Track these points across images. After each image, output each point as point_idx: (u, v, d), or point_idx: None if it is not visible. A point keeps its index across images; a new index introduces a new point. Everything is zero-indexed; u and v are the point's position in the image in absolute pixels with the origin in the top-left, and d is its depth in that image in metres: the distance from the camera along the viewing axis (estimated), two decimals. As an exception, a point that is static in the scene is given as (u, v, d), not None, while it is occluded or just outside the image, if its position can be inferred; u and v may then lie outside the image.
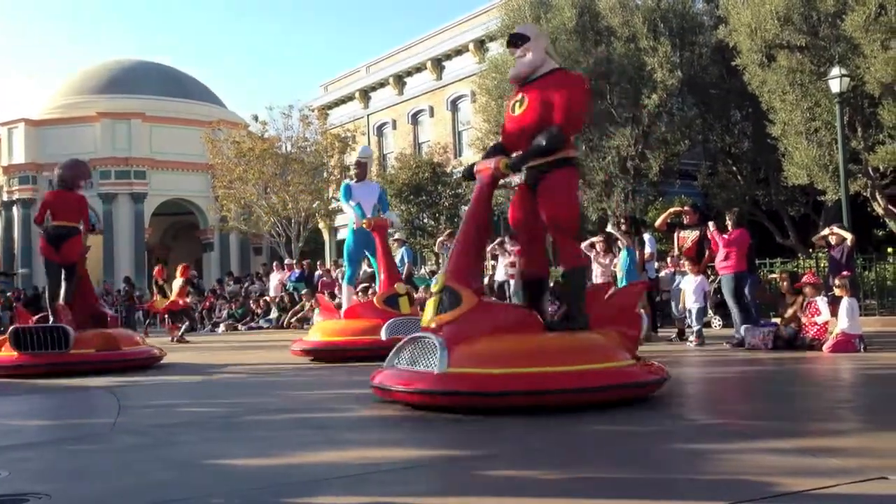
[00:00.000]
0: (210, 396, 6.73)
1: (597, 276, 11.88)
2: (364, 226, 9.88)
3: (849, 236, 11.13)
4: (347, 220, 10.41)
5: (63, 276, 9.51)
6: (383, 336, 8.94)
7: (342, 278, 20.48)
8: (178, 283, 16.12)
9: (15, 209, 37.25)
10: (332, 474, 3.46)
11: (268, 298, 22.76)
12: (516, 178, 6.21)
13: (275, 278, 23.23)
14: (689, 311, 10.65)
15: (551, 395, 4.83)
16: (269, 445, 4.20)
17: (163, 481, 3.45)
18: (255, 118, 30.66)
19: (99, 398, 6.87)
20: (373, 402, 5.40)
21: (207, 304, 24.74)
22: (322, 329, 10.06)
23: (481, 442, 4.11)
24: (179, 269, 16.48)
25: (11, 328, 9.56)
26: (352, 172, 10.65)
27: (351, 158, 30.16)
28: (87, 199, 10.07)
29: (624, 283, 11.08)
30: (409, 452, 3.89)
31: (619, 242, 11.56)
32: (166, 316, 16.59)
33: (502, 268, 14.05)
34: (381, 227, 10.01)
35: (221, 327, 22.21)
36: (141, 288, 32.86)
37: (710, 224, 10.68)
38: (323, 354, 9.42)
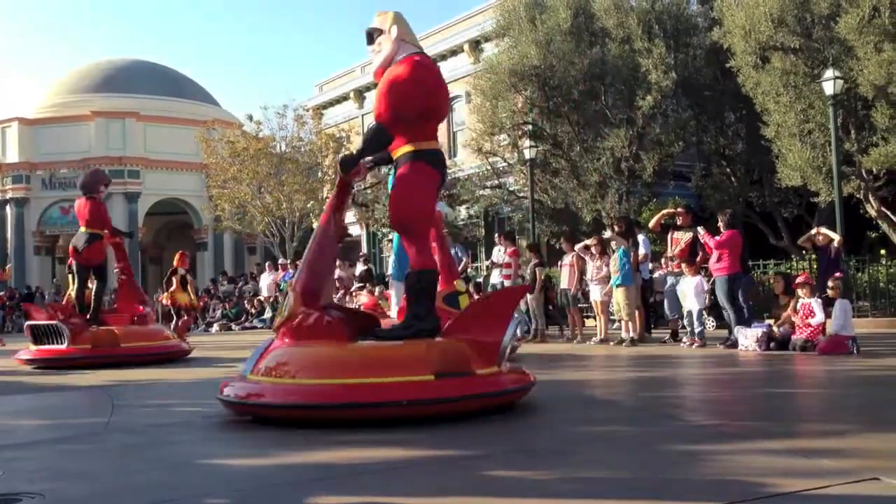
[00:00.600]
0: (203, 396, 6.72)
1: (591, 277, 11.89)
2: None
3: (836, 237, 11.18)
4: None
5: (93, 277, 10.69)
6: None
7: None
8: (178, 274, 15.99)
9: (8, 208, 37.12)
10: (327, 474, 3.46)
11: (262, 298, 22.74)
12: None
13: (267, 278, 23.21)
14: (689, 313, 10.61)
15: (318, 410, 4.60)
16: (263, 445, 4.19)
17: (157, 481, 3.45)
18: (250, 118, 30.61)
19: (93, 397, 6.86)
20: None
21: (201, 303, 24.69)
22: None
23: (477, 442, 4.11)
24: (176, 257, 16.34)
25: (26, 324, 10.59)
26: None
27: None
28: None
29: (616, 281, 11.13)
30: (405, 452, 3.90)
31: (612, 244, 11.58)
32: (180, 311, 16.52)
33: (496, 271, 13.98)
34: (436, 220, 9.56)
35: (215, 327, 22.18)
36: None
37: (700, 229, 10.65)
38: None
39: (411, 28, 5.58)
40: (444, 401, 4.65)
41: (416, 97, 5.20)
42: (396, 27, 5.47)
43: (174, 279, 16.05)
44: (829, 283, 9.41)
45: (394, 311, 9.12)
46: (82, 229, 10.57)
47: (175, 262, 16.13)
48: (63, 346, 9.78)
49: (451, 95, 27.84)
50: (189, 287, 16.11)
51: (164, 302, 16.61)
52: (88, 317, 10.47)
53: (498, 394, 4.87)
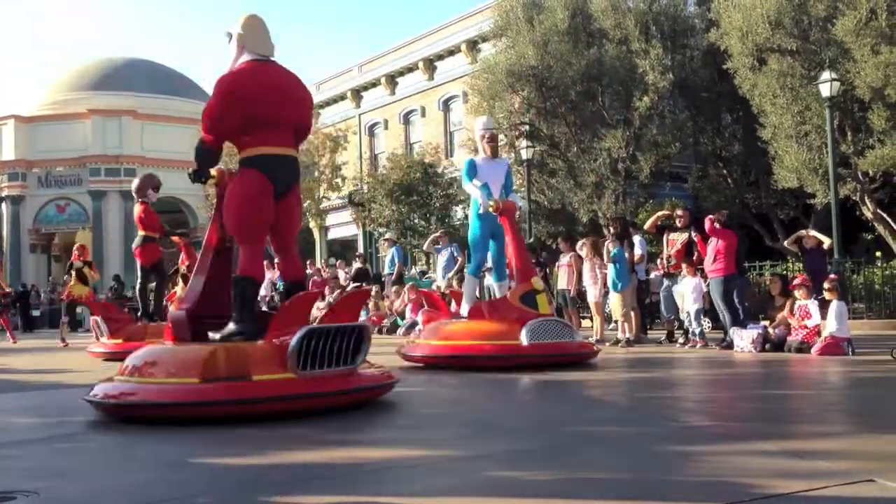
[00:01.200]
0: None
1: (587, 277, 11.89)
2: (491, 209, 8.41)
3: (826, 240, 11.18)
4: (471, 201, 9.01)
5: (153, 276, 11.71)
6: (524, 340, 7.69)
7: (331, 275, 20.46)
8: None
9: (3, 206, 37.05)
10: (318, 474, 3.45)
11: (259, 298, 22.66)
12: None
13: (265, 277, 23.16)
14: (688, 314, 10.57)
15: (104, 406, 5.02)
16: (254, 444, 4.18)
17: (149, 480, 3.44)
18: (247, 116, 30.53)
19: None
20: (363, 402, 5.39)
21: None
22: (439, 331, 8.31)
23: (472, 442, 4.11)
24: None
25: (92, 318, 11.59)
26: (481, 146, 9.08)
27: (342, 158, 30.29)
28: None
29: (615, 286, 11.12)
30: (398, 452, 3.89)
31: (608, 245, 11.58)
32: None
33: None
34: (510, 211, 8.62)
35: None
36: (133, 286, 32.75)
37: (708, 221, 10.47)
38: (443, 362, 7.92)
39: (263, 31, 5.62)
40: (208, 404, 4.76)
41: (226, 112, 5.35)
42: (239, 33, 5.54)
43: (178, 278, 16.04)
44: (826, 285, 9.40)
45: (464, 309, 8.75)
46: (140, 232, 11.57)
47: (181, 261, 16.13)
48: (105, 341, 10.82)
49: (447, 95, 28.15)
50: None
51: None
52: (150, 311, 11.59)
53: (278, 399, 4.83)
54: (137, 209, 11.58)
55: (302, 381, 4.86)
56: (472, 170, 8.80)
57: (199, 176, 5.72)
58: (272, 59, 5.58)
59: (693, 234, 10.75)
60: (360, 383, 5.24)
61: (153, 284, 12.09)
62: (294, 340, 4.86)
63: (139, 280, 11.75)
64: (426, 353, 8.11)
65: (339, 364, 5.01)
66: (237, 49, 5.53)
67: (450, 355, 7.87)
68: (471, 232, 8.93)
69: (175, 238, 12.33)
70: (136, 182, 11.81)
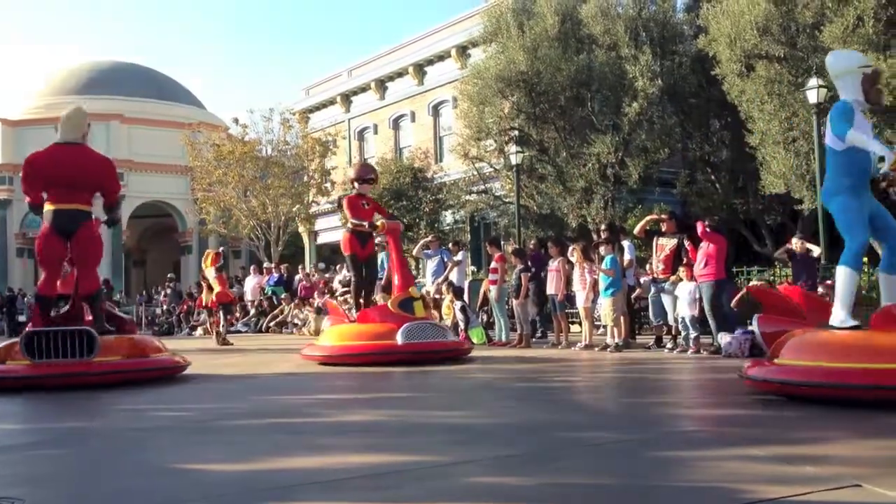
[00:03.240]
0: (185, 401, 6.68)
1: (577, 282, 11.90)
2: (893, 168, 5.72)
3: (817, 250, 11.25)
4: (831, 158, 6.04)
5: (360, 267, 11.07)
6: None
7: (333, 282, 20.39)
8: (211, 272, 15.89)
9: (-9, 210, 36.83)
10: (307, 479, 3.44)
11: (246, 302, 22.62)
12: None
13: (251, 282, 23.12)
14: (682, 318, 10.50)
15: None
16: (243, 450, 4.16)
17: (136, 487, 3.42)
18: (236, 121, 30.54)
19: (75, 401, 6.79)
20: (353, 407, 5.38)
21: (185, 307, 24.58)
22: (813, 347, 5.81)
23: (461, 448, 4.10)
24: (210, 256, 16.31)
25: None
26: (856, 86, 5.88)
27: (331, 163, 30.25)
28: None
29: (607, 291, 11.13)
30: (388, 458, 3.88)
31: (600, 249, 11.59)
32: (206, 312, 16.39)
33: (455, 271, 14.36)
34: None
35: (199, 331, 22.05)
36: (121, 291, 32.58)
37: (700, 225, 10.42)
38: (824, 393, 5.43)
39: (72, 122, 8.02)
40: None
41: (26, 179, 7.85)
42: (57, 123, 8.00)
43: (216, 279, 15.96)
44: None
45: (839, 316, 6.21)
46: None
47: (209, 262, 16.13)
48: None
49: (437, 100, 28.17)
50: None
51: (208, 303, 16.54)
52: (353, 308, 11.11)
53: (15, 378, 7.19)
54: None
55: (31, 366, 7.22)
56: (851, 115, 5.82)
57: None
58: (77, 142, 7.91)
59: (685, 240, 10.73)
60: (93, 369, 7.30)
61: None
62: (21, 338, 7.33)
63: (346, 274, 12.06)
64: (788, 378, 5.65)
65: (74, 356, 7.22)
66: (57, 133, 7.94)
67: (834, 384, 5.31)
68: (841, 204, 5.95)
69: (379, 226, 10.96)
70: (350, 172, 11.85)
